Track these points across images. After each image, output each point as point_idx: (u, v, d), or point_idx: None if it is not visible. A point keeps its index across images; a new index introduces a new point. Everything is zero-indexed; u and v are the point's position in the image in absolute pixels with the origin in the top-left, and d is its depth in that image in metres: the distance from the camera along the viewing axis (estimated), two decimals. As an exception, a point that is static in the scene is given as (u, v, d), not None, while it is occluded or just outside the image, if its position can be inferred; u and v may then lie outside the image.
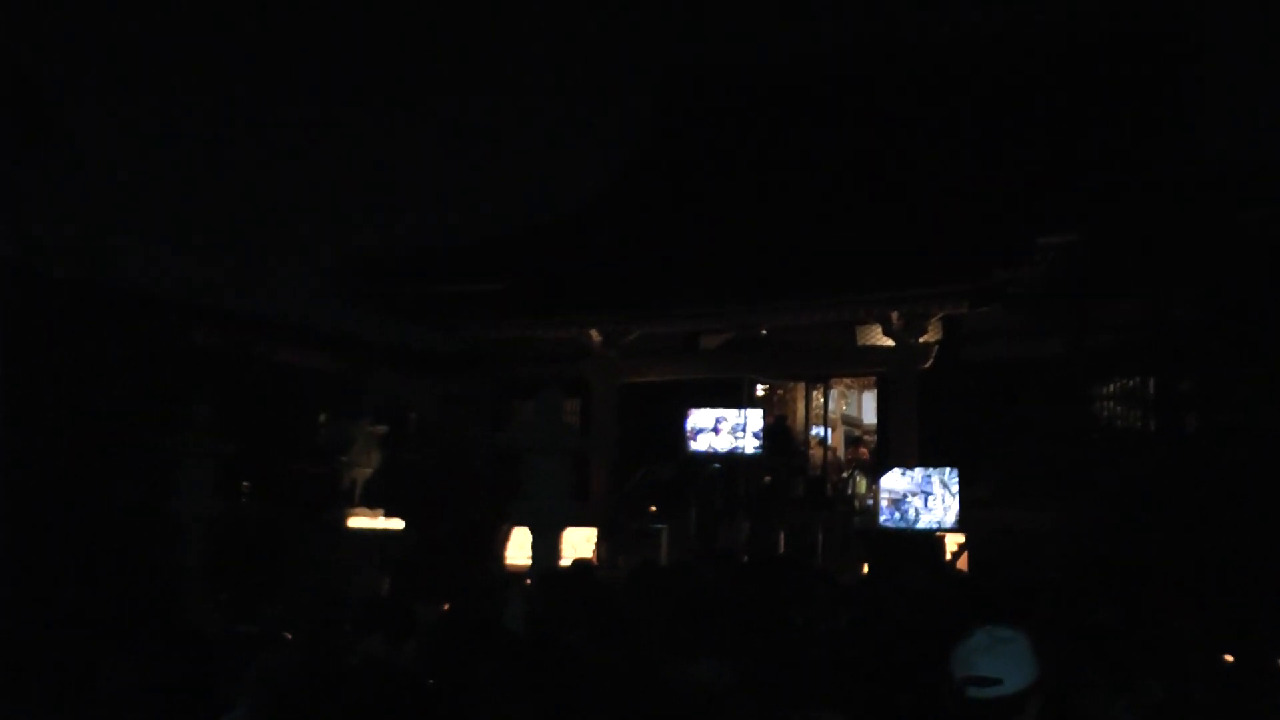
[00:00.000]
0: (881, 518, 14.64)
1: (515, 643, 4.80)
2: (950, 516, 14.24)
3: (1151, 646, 5.06)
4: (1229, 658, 5.96)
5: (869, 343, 17.79)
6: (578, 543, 14.87)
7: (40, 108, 11.92)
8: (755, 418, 16.48)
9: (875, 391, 19.51)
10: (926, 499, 14.31)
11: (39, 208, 12.27)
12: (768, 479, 16.92)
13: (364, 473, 16.12)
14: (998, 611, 5.48)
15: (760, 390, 18.52)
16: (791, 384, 19.43)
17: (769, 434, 16.66)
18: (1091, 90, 18.74)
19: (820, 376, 19.09)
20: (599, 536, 16.09)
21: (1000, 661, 3.10)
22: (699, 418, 16.51)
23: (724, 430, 16.38)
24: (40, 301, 12.78)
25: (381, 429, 16.51)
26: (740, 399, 16.83)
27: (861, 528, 16.07)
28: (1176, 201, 14.29)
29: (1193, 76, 19.38)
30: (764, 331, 18.07)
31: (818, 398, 19.40)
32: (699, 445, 16.43)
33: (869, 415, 20.89)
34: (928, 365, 16.89)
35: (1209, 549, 11.32)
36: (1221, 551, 11.18)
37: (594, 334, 18.67)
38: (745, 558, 14.01)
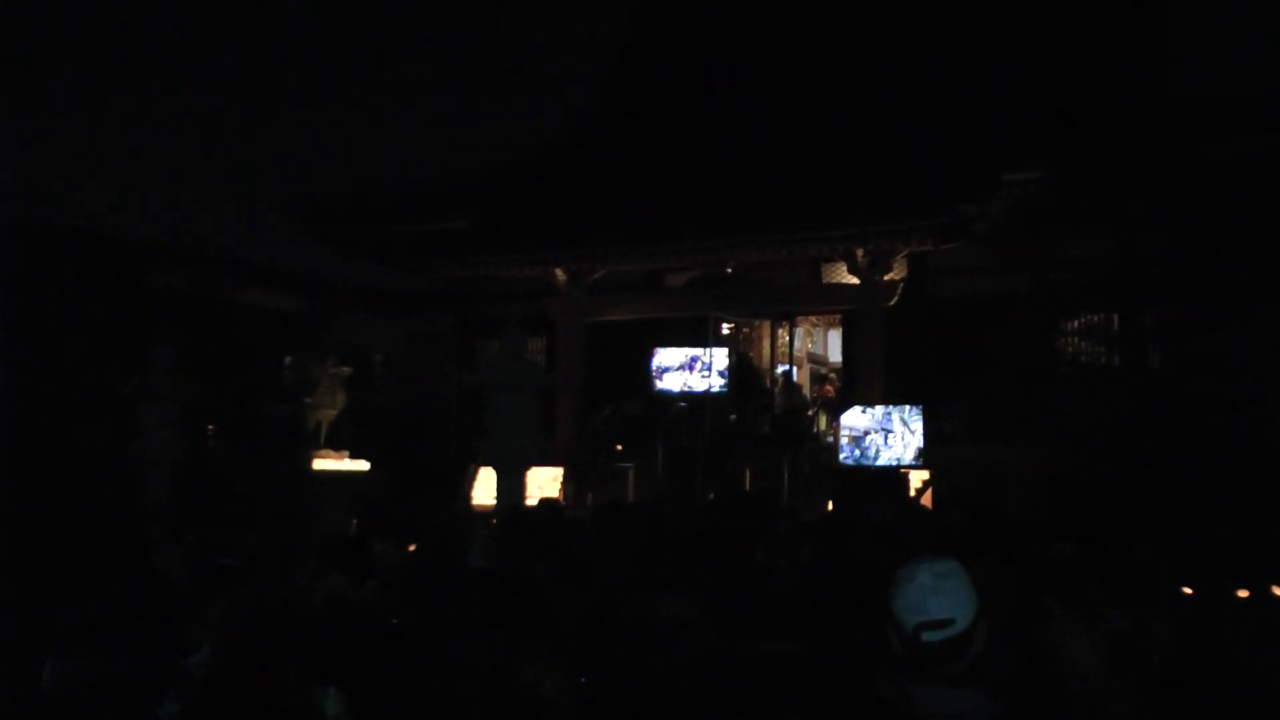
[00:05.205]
0: (841, 455, 14.69)
1: (478, 579, 4.79)
2: (910, 453, 14.30)
3: (1113, 578, 5.10)
4: (1188, 590, 6.02)
5: (834, 280, 17.75)
6: (544, 481, 14.89)
7: None
8: (720, 356, 16.43)
9: (841, 329, 19.53)
10: (887, 436, 14.36)
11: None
12: (733, 417, 16.92)
13: (329, 414, 16.08)
14: (960, 544, 5.50)
15: (726, 329, 18.46)
16: (757, 322, 19.40)
17: (734, 372, 16.64)
18: (1060, 24, 18.60)
19: (786, 314, 19.08)
20: (565, 475, 16.10)
21: (949, 600, 3.06)
22: (664, 356, 16.44)
23: (690, 369, 16.32)
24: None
25: (347, 370, 16.46)
26: (706, 337, 16.78)
27: (824, 465, 16.15)
28: (1144, 137, 14.28)
29: (1163, 10, 19.25)
30: (729, 269, 17.99)
31: (783, 336, 19.41)
32: (665, 384, 16.38)
33: (835, 353, 20.94)
34: (893, 302, 16.89)
35: (1170, 482, 11.44)
36: (1183, 484, 11.30)
37: (559, 272, 18.58)
38: (710, 495, 14.07)
